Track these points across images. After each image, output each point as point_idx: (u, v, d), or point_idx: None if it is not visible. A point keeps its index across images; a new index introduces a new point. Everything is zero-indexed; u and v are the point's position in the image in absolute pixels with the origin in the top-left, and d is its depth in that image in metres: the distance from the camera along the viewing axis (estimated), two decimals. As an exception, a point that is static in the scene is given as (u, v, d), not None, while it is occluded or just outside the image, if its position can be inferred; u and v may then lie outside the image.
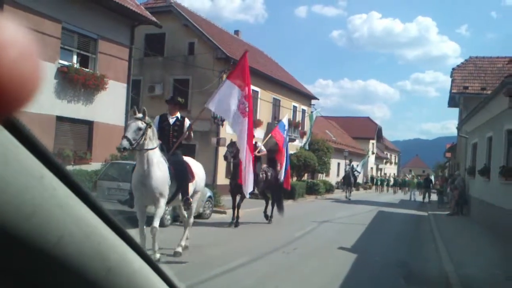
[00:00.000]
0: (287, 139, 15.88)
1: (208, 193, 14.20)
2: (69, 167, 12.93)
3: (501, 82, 12.95)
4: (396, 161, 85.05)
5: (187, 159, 8.52)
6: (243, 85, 9.48)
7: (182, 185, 7.94)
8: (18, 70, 0.37)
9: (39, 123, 12.02)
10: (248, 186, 10.36)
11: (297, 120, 32.36)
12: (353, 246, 10.71)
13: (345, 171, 31.46)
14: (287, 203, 20.18)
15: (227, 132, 21.66)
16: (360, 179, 44.27)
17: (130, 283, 0.69)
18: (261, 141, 15.45)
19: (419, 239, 13.34)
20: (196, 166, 8.71)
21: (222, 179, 21.27)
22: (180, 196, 8.03)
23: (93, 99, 15.37)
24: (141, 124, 7.03)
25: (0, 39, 0.36)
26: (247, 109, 9.63)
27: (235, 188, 12.40)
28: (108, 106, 15.73)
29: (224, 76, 22.88)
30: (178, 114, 8.43)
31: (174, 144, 8.13)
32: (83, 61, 15.38)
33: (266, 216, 13.90)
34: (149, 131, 7.18)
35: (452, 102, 27.99)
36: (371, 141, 57.98)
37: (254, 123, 26.23)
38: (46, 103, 12.99)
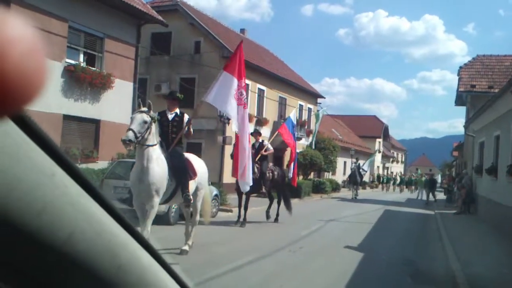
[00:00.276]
0: (295, 135, 15.90)
1: (214, 191, 14.22)
2: (76, 166, 12.96)
3: (509, 80, 12.88)
4: (403, 160, 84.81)
5: (188, 155, 8.38)
6: (239, 76, 9.39)
7: (181, 182, 7.78)
8: (24, 67, 0.37)
9: (46, 122, 12.08)
10: (248, 180, 10.18)
11: (303, 119, 32.34)
12: (360, 245, 10.68)
13: (351, 170, 31.34)
14: (293, 202, 20.16)
15: (233, 130, 21.67)
16: (366, 178, 44.18)
17: (140, 280, 0.70)
18: (267, 139, 15.44)
19: (425, 238, 13.30)
20: (197, 163, 8.53)
21: (228, 178, 21.23)
22: (180, 194, 7.85)
23: (99, 97, 15.43)
24: (146, 117, 6.94)
25: (7, 35, 0.37)
26: (245, 99, 9.59)
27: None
28: (115, 105, 15.78)
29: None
30: (177, 110, 8.22)
31: (173, 140, 7.95)
32: (90, 60, 15.44)
33: (267, 216, 13.76)
34: (153, 126, 7.11)
35: (459, 101, 27.85)
36: (378, 140, 57.83)
37: (260, 121, 26.27)
38: (53, 102, 13.05)
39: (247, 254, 8.54)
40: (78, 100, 14.69)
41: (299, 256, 9.00)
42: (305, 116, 33.23)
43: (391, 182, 50.85)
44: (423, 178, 39.89)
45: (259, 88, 26.69)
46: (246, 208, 12.60)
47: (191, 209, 8.51)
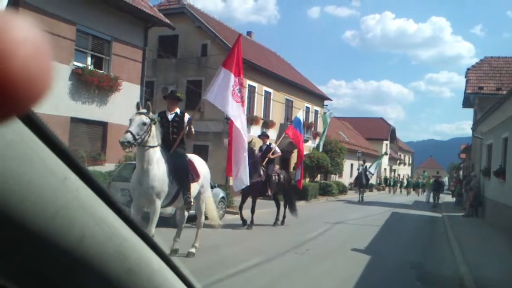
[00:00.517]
0: (306, 137, 15.82)
1: (221, 193, 14.23)
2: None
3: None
4: (410, 162, 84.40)
5: (191, 156, 8.20)
6: (237, 72, 9.16)
7: (183, 184, 7.59)
8: (31, 68, 0.38)
9: (54, 124, 12.14)
10: (242, 179, 9.80)
11: (309, 121, 32.27)
12: (367, 248, 10.65)
13: (358, 172, 31.16)
14: (299, 204, 20.14)
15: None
16: (373, 180, 43.97)
17: (149, 282, 0.70)
18: (274, 142, 15.41)
19: (433, 241, 13.23)
20: (200, 165, 8.34)
21: (235, 180, 21.29)
22: (181, 196, 7.66)
23: (107, 100, 15.49)
24: (145, 119, 6.79)
25: (14, 37, 0.37)
26: (242, 97, 9.37)
27: (247, 189, 12.26)
28: (122, 108, 15.82)
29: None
30: (177, 110, 7.98)
31: (174, 141, 7.74)
32: (97, 63, 15.51)
33: (275, 223, 13.51)
34: (153, 128, 6.96)
35: (466, 103, 27.70)
36: (385, 142, 57.59)
37: (267, 124, 26.26)
38: (61, 105, 13.13)
39: (254, 256, 8.54)
40: (85, 102, 14.76)
41: (306, 259, 8.98)
42: (311, 119, 33.16)
43: (398, 185, 50.57)
44: (431, 181, 39.70)
45: (265, 91, 26.68)
46: (253, 211, 12.55)
47: (190, 212, 8.37)
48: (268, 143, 13.36)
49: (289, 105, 29.73)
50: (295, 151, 27.09)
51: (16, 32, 0.38)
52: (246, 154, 9.69)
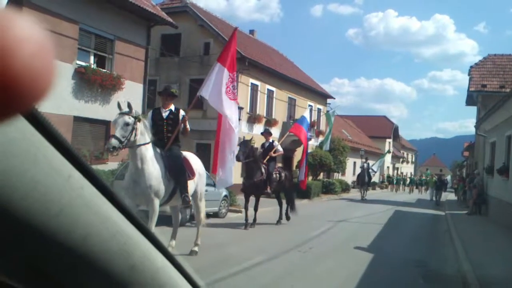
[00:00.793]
0: (308, 134, 15.75)
1: (224, 192, 14.24)
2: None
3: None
4: (413, 160, 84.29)
5: (186, 154, 8.01)
6: (232, 67, 8.90)
7: (180, 183, 7.41)
8: (33, 66, 0.38)
9: (57, 123, 11.98)
10: (227, 176, 9.34)
11: (312, 119, 32.25)
12: (370, 246, 10.64)
13: (360, 169, 31.10)
14: (302, 202, 20.16)
15: (242, 131, 21.67)
16: (376, 178, 43.92)
17: (153, 280, 0.71)
18: (277, 140, 15.40)
19: (436, 239, 13.22)
20: (195, 162, 8.16)
21: (237, 178, 21.26)
22: (178, 195, 7.48)
23: (110, 99, 15.51)
24: (128, 119, 6.56)
25: (17, 35, 0.37)
26: (235, 93, 9.09)
27: (249, 189, 12.26)
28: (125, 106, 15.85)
29: (241, 76, 22.96)
30: (172, 107, 7.75)
31: (169, 138, 7.53)
32: (100, 62, 15.54)
33: (279, 221, 13.47)
34: (139, 125, 6.72)
35: (470, 101, 27.62)
36: (388, 140, 57.52)
37: (270, 122, 26.25)
38: (64, 104, 13.15)
39: (257, 255, 8.55)
40: (88, 101, 14.79)
41: (309, 257, 8.98)
42: (314, 117, 33.14)
43: (401, 183, 50.52)
44: (434, 179, 39.67)
45: (268, 89, 26.67)
46: (256, 209, 12.54)
47: (183, 211, 8.24)
48: (271, 140, 13.30)
49: (292, 104, 29.72)
50: (298, 149, 27.14)
51: (19, 30, 0.38)
52: (232, 156, 9.32)
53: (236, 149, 9.50)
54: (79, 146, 14.24)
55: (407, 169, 71.65)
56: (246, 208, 12.42)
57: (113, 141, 6.41)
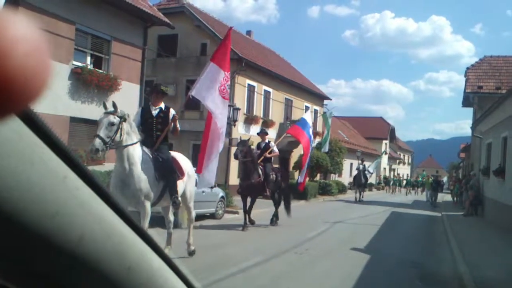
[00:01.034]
0: (312, 138, 15.62)
1: (221, 193, 14.23)
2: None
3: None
4: (409, 161, 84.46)
5: (174, 154, 7.82)
6: (226, 67, 8.87)
7: (169, 183, 7.23)
8: (28, 66, 0.38)
9: (54, 124, 11.98)
10: (210, 176, 9.12)
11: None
12: (366, 247, 10.65)
13: (357, 171, 31.10)
14: (299, 204, 20.18)
15: (239, 132, 21.71)
16: (373, 180, 43.98)
17: (149, 281, 0.70)
18: (274, 141, 15.39)
19: (433, 240, 13.25)
20: (184, 162, 7.97)
21: (234, 179, 21.30)
22: (168, 196, 7.32)
23: (106, 100, 15.44)
24: (113, 119, 6.32)
25: (12, 34, 0.37)
26: (228, 92, 9.02)
27: (246, 190, 12.15)
28: (122, 107, 15.78)
29: (238, 77, 22.97)
30: (162, 105, 7.58)
31: (158, 137, 7.35)
32: (97, 62, 15.50)
33: (272, 220, 13.39)
34: (125, 125, 6.49)
35: (466, 102, 27.73)
36: (384, 141, 57.64)
37: (266, 123, 26.26)
38: (60, 105, 13.11)
39: (254, 256, 8.55)
40: (85, 102, 14.75)
41: (305, 258, 8.98)
42: (311, 118, 33.15)
43: (397, 184, 50.58)
44: (430, 180, 39.75)
45: (265, 90, 26.69)
46: (250, 210, 12.45)
47: (177, 213, 8.20)
48: (267, 140, 13.27)
49: (288, 105, 29.74)
50: (295, 150, 27.16)
51: (14, 30, 0.38)
52: (217, 159, 9.12)
53: (221, 149, 9.27)
54: (75, 147, 14.19)
55: (404, 171, 71.75)
56: (245, 212, 12.33)
57: (97, 142, 6.16)
